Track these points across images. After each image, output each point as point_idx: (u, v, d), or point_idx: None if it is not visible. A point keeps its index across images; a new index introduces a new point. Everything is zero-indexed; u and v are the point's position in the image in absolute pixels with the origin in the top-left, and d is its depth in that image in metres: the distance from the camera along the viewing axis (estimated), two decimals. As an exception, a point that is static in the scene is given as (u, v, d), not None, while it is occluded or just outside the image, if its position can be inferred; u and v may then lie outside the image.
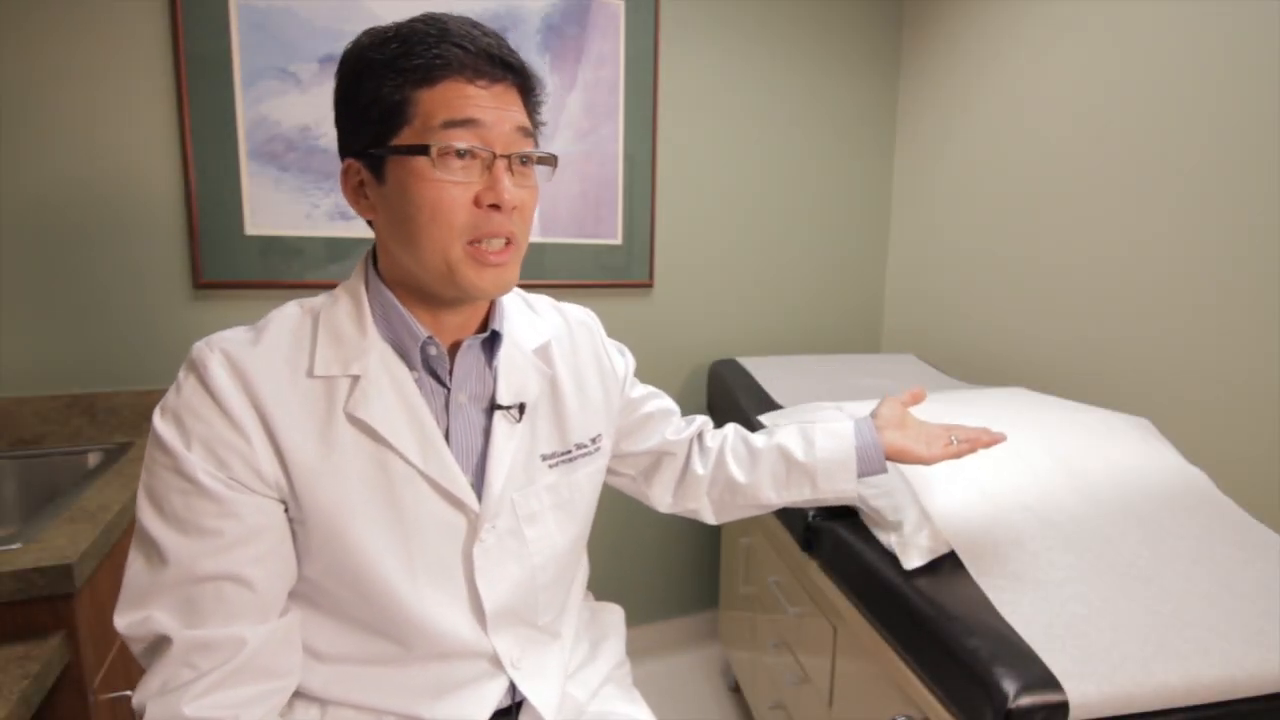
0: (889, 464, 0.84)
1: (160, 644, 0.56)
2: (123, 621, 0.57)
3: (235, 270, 1.42)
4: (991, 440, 0.82)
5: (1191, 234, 1.22)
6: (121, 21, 1.29)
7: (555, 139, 1.65)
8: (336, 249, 1.49)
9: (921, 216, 1.93)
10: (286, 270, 1.46)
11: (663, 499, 0.91)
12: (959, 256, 1.79)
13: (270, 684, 0.60)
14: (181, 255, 1.39)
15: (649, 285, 1.81)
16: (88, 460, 1.24)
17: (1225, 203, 1.16)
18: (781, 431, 0.89)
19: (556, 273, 1.70)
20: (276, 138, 1.40)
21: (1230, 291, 1.16)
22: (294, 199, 1.43)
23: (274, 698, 0.60)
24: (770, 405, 1.45)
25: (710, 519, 0.91)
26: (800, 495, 0.86)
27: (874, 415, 0.86)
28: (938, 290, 1.88)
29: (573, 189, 1.69)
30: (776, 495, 0.86)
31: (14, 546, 0.83)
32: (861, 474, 0.84)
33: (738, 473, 0.87)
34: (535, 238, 1.67)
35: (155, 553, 0.57)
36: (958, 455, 0.82)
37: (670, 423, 0.90)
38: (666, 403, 0.91)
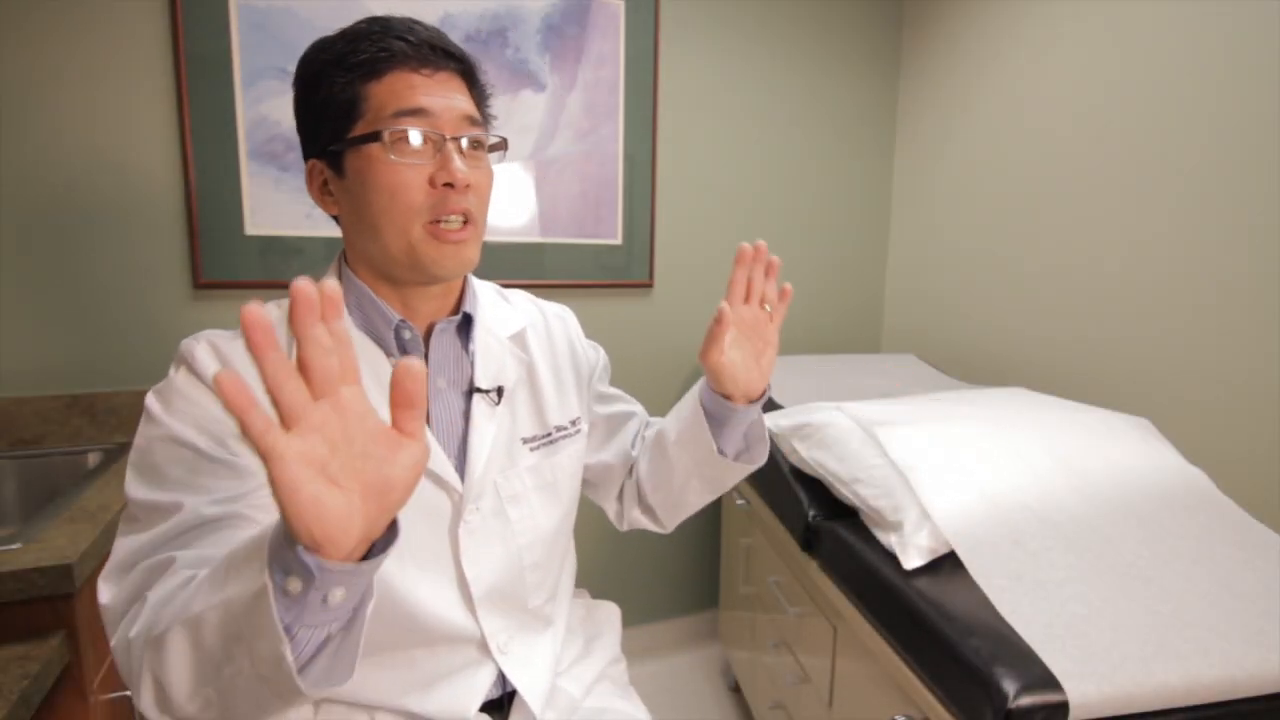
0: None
1: (160, 569, 0.51)
2: (109, 582, 0.53)
3: (235, 270, 1.41)
4: (785, 295, 0.71)
5: (1191, 234, 1.22)
6: (121, 21, 1.29)
7: (555, 139, 1.65)
8: (336, 249, 1.48)
9: (921, 216, 1.93)
10: (286, 270, 1.46)
11: (612, 513, 0.90)
12: (959, 256, 1.79)
13: None
14: (181, 255, 1.39)
15: (649, 285, 1.81)
16: (88, 460, 1.24)
17: (1225, 203, 1.16)
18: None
19: (556, 273, 1.70)
20: (276, 138, 1.40)
21: (1230, 291, 1.16)
22: (294, 199, 1.43)
23: None
24: (770, 405, 1.45)
25: (655, 528, 0.88)
26: (693, 469, 0.78)
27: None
28: (938, 290, 1.88)
29: (573, 189, 1.69)
30: (678, 478, 0.80)
31: (14, 546, 0.83)
32: (713, 419, 0.75)
33: (644, 470, 0.84)
34: (535, 238, 1.67)
35: (160, 511, 0.54)
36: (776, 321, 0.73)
37: (626, 433, 0.87)
38: (632, 408, 0.89)
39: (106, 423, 1.34)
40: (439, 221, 0.62)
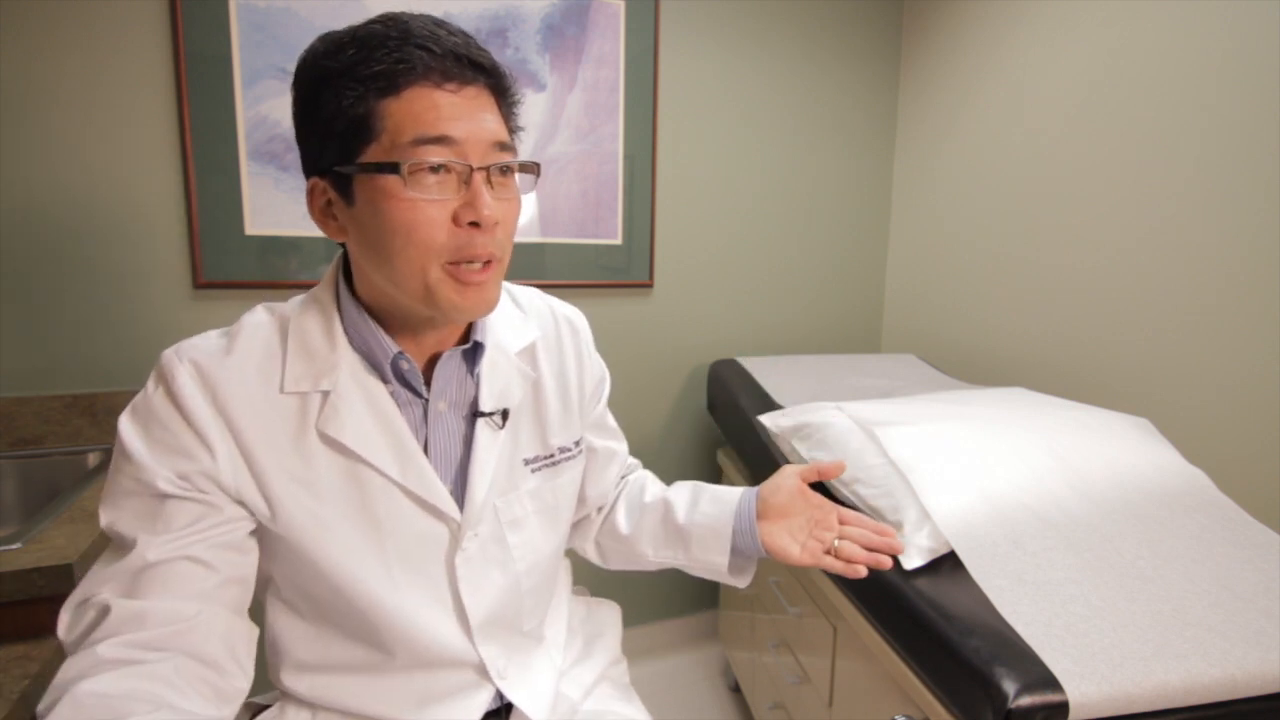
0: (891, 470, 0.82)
1: (98, 617, 0.52)
2: (66, 615, 0.54)
3: (235, 270, 1.41)
4: (876, 563, 0.72)
5: (1191, 234, 1.22)
6: (121, 21, 1.29)
7: (555, 139, 1.65)
8: (336, 249, 1.48)
9: (921, 216, 1.93)
10: (286, 270, 1.46)
11: None
12: (959, 256, 1.79)
13: (193, 665, 0.53)
14: (181, 255, 1.39)
15: (649, 285, 1.81)
16: (88, 460, 1.24)
17: (1225, 203, 1.16)
18: (678, 486, 0.85)
19: (557, 273, 1.70)
20: (276, 138, 1.40)
21: (1230, 291, 1.16)
22: (294, 199, 1.43)
23: (193, 676, 0.53)
24: (770, 405, 1.45)
25: (597, 561, 0.88)
26: (674, 559, 0.81)
27: (761, 496, 0.78)
28: (938, 290, 1.88)
29: (573, 189, 1.69)
30: (653, 552, 0.81)
31: (14, 546, 0.83)
32: (736, 551, 0.78)
33: (623, 521, 0.84)
34: (535, 238, 1.67)
35: (121, 544, 0.55)
36: (829, 568, 0.73)
37: (610, 473, 0.85)
38: (621, 446, 0.87)
39: (106, 423, 1.34)
40: (460, 263, 0.56)
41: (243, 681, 0.58)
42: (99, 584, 0.54)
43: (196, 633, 0.54)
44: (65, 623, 0.54)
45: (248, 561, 0.60)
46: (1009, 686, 0.68)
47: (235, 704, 0.57)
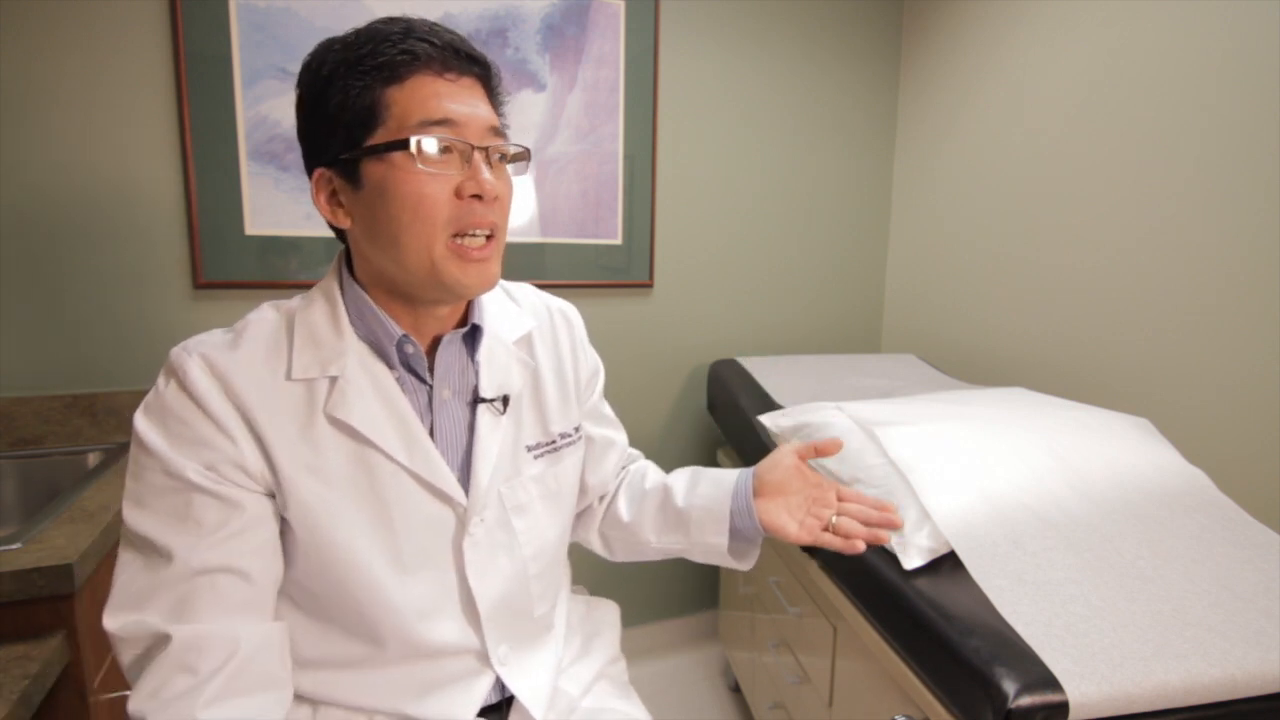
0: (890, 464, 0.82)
1: (156, 645, 0.55)
2: (115, 622, 0.56)
3: (235, 270, 1.41)
4: (874, 539, 0.72)
5: (1191, 233, 1.22)
6: (121, 21, 1.29)
7: (555, 139, 1.65)
8: (336, 249, 1.48)
9: (921, 216, 1.93)
10: (286, 270, 1.46)
11: None
12: (959, 256, 1.79)
13: (276, 693, 0.58)
14: (181, 255, 1.39)
15: (649, 285, 1.81)
16: (88, 460, 1.24)
17: (1225, 203, 1.16)
18: (678, 472, 0.85)
19: (557, 273, 1.70)
20: (276, 138, 1.40)
21: (1230, 291, 1.16)
22: (294, 199, 1.43)
23: (280, 709, 0.58)
24: (770, 405, 1.45)
25: (602, 553, 0.88)
26: (676, 543, 0.81)
27: (758, 474, 0.78)
28: (938, 290, 1.88)
29: (573, 189, 1.69)
30: (656, 538, 0.82)
31: (14, 546, 0.83)
32: (735, 532, 0.78)
33: (625, 509, 0.84)
34: (535, 238, 1.67)
35: (154, 551, 0.56)
36: (828, 545, 0.73)
37: (609, 461, 0.86)
38: (620, 435, 0.88)
39: (106, 423, 1.34)
40: (462, 236, 0.60)
41: (291, 685, 0.62)
42: (144, 599, 0.56)
43: (258, 659, 0.57)
44: (116, 640, 0.56)
45: (279, 564, 0.62)
46: (1009, 686, 0.68)
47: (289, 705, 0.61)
